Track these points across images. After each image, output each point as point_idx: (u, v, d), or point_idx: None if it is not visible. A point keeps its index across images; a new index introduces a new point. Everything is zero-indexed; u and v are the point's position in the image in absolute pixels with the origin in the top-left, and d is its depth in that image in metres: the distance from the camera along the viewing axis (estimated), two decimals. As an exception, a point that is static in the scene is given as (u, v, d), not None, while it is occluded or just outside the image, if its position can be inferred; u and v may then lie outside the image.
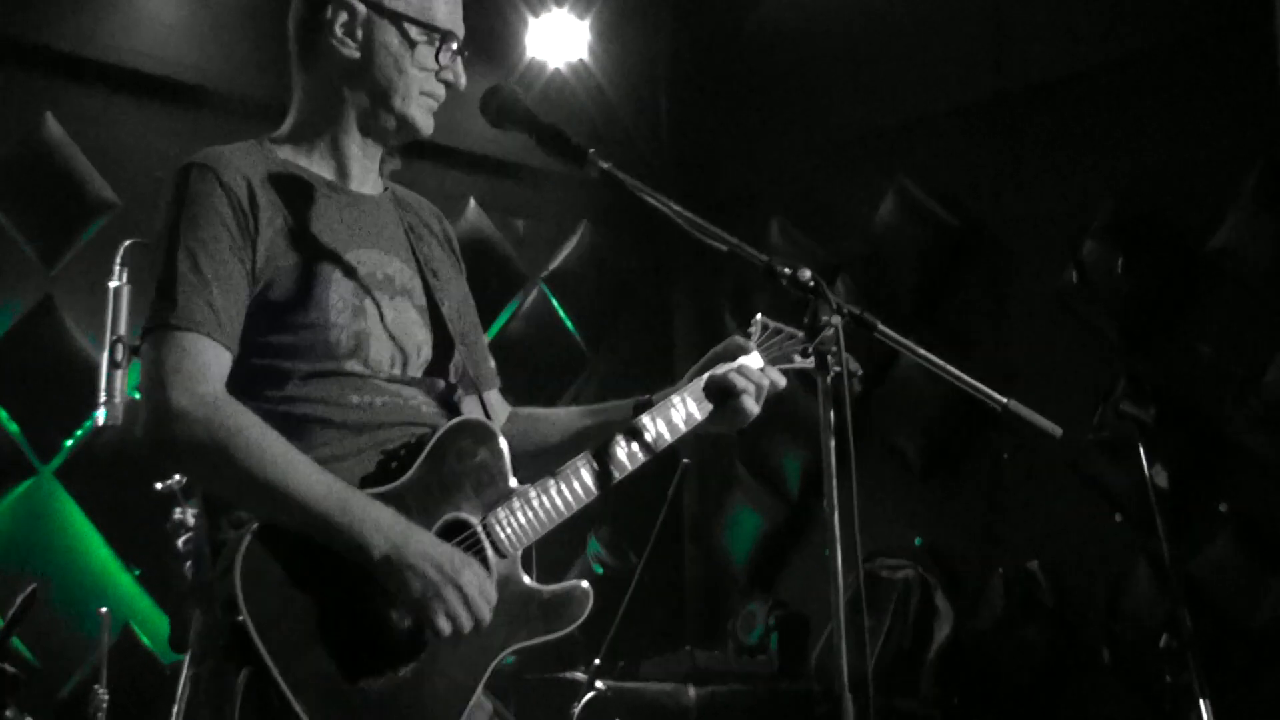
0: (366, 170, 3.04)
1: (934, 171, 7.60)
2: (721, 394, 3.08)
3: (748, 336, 3.18)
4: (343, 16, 2.96)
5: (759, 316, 3.18)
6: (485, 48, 7.32)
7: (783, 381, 3.14)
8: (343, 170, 3.00)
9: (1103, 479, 6.70)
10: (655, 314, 8.89)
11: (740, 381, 3.08)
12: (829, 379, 2.59)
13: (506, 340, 8.13)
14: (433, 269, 3.03)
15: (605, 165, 2.77)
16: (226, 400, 2.64)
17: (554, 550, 3.18)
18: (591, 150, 2.77)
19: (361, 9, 2.96)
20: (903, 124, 7.75)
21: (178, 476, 5.05)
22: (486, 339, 3.22)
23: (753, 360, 3.14)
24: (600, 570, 7.53)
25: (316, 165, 2.98)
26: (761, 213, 8.34)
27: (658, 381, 3.25)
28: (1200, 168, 6.55)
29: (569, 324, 8.56)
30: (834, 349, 2.60)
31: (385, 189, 3.09)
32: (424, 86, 2.99)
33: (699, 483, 8.62)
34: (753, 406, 3.09)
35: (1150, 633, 5.98)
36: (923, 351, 2.84)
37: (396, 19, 2.96)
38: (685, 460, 6.64)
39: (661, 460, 3.10)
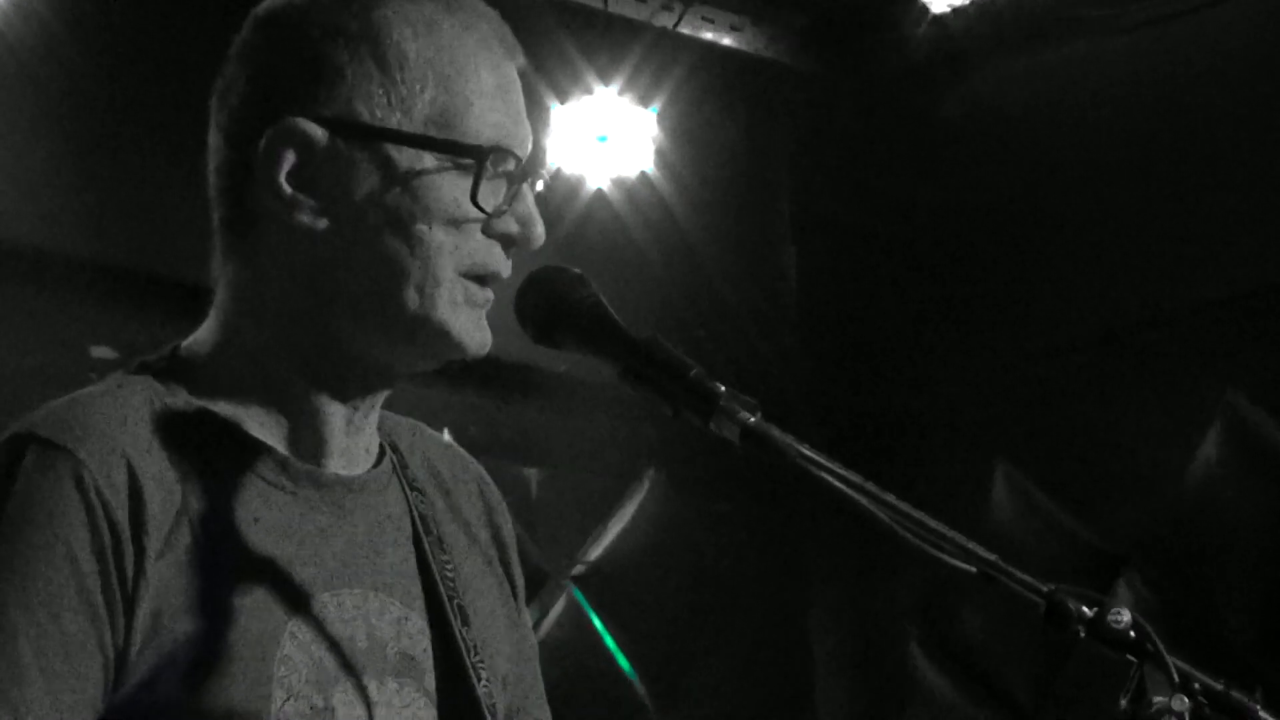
0: (355, 431, 2.16)
1: (1296, 386, 6.43)
2: None
3: None
4: (288, 158, 2.07)
5: None
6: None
7: None
8: (309, 433, 2.14)
9: None
10: (777, 639, 7.42)
11: None
12: None
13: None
14: (459, 607, 2.18)
15: (750, 418, 1.98)
16: None
17: None
18: (724, 390, 2.01)
19: (321, 137, 2.08)
20: (1237, 303, 6.51)
21: None
22: None
23: None
24: None
25: (257, 421, 2.14)
26: (973, 454, 7.01)
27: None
28: None
29: (619, 655, 7.18)
30: None
31: (381, 454, 2.20)
32: (466, 260, 2.08)
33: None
34: None
35: None
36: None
37: (400, 141, 2.09)
38: None
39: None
